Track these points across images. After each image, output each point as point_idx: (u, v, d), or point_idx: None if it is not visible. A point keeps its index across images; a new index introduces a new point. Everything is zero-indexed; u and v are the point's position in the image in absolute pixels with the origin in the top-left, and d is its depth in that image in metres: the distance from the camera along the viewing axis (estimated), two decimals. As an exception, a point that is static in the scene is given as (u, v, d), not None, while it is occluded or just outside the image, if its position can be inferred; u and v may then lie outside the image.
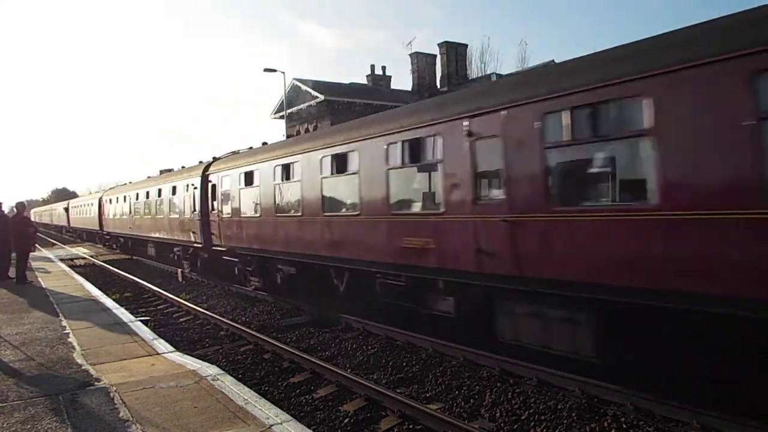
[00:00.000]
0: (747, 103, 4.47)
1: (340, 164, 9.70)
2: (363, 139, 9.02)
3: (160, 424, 4.68)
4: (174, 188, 18.91)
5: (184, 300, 13.38)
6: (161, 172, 26.40)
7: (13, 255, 15.10)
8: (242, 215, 13.50)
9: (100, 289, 13.95)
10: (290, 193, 11.37)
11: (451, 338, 8.15)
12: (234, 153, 16.35)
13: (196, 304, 12.75)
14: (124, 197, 26.72)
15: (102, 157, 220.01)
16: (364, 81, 39.83)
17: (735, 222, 4.53)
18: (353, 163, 9.32)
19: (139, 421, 4.72)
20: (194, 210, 16.56)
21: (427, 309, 8.25)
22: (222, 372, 6.32)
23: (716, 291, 4.66)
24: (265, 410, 4.98)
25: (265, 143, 15.39)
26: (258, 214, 12.63)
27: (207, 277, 16.86)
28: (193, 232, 16.72)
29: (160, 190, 20.71)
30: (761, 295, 4.41)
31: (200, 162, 18.70)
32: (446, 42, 38.94)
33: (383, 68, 40.32)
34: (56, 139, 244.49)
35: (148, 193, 22.55)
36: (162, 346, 7.63)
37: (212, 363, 7.13)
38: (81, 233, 44.32)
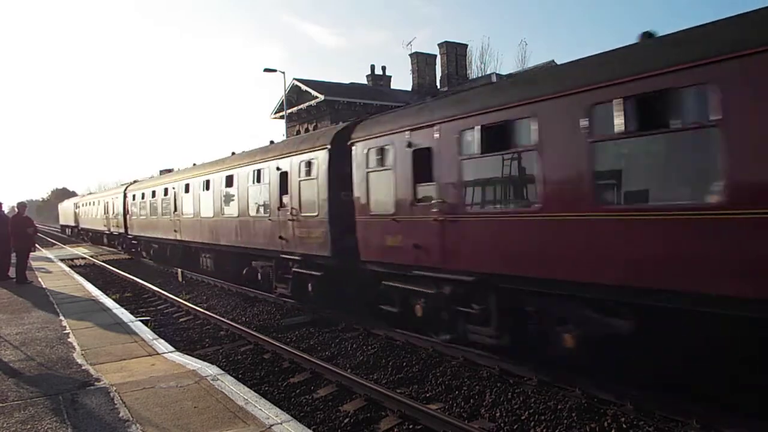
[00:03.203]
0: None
1: None
2: None
3: (160, 424, 4.68)
4: (262, 172, 12.82)
5: (184, 300, 13.38)
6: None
7: (13, 255, 15.12)
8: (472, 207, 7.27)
9: (100, 289, 13.97)
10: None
11: (451, 338, 8.14)
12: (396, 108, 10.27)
13: (196, 304, 12.75)
14: (165, 190, 20.46)
15: (102, 157, 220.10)
16: (364, 81, 39.82)
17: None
18: None
19: (139, 421, 4.72)
20: (315, 201, 10.49)
21: None
22: (222, 372, 6.32)
23: None
24: (265, 410, 4.98)
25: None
26: (543, 203, 6.22)
27: (319, 310, 11.10)
28: (310, 238, 10.65)
29: (231, 177, 14.57)
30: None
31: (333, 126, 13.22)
32: (446, 42, 38.91)
33: (383, 68, 40.31)
34: (56, 139, 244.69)
35: (208, 182, 16.21)
36: (162, 346, 7.63)
37: (212, 363, 7.13)
38: (99, 236, 35.95)
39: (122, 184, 30.42)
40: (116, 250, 30.73)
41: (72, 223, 48.68)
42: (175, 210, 19.16)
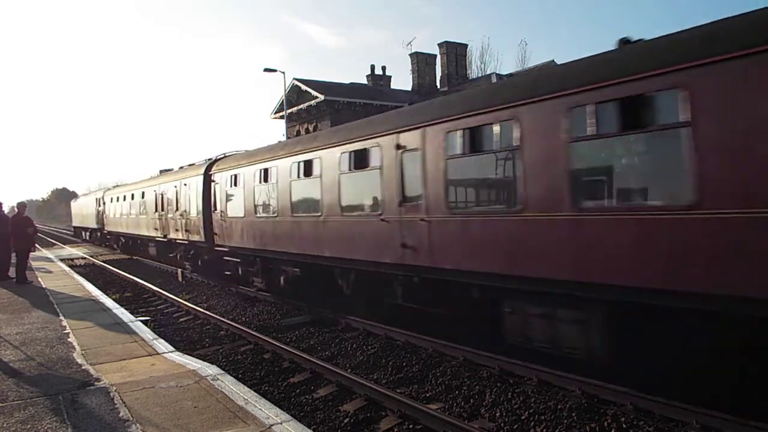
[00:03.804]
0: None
1: None
2: None
3: (160, 424, 4.68)
4: None
5: (184, 300, 13.38)
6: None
7: (13, 255, 15.13)
8: None
9: (100, 289, 13.96)
10: None
11: (451, 338, 8.15)
12: None
13: (196, 304, 12.75)
14: (349, 159, 9.67)
15: (102, 157, 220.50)
16: (364, 81, 39.82)
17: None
18: None
19: (139, 421, 4.72)
20: None
21: None
22: (222, 372, 6.32)
23: None
24: (265, 410, 4.98)
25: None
26: None
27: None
28: None
29: None
30: None
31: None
32: (446, 42, 38.91)
33: (383, 68, 40.29)
34: (56, 139, 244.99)
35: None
36: (162, 346, 7.63)
37: (212, 363, 7.13)
38: (142, 244, 24.59)
39: (198, 163, 18.24)
40: (182, 269, 18.59)
41: (93, 225, 36.26)
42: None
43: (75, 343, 7.67)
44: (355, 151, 9.48)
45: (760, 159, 4.58)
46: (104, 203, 31.63)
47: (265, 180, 12.52)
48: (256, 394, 5.60)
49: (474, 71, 43.68)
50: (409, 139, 8.25)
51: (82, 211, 40.62)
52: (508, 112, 6.68)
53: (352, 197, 9.70)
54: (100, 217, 33.21)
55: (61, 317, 9.67)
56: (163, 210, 20.14)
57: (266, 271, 13.16)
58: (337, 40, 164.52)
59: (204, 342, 9.58)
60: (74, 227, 48.49)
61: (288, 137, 30.48)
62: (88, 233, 40.08)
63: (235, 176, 14.09)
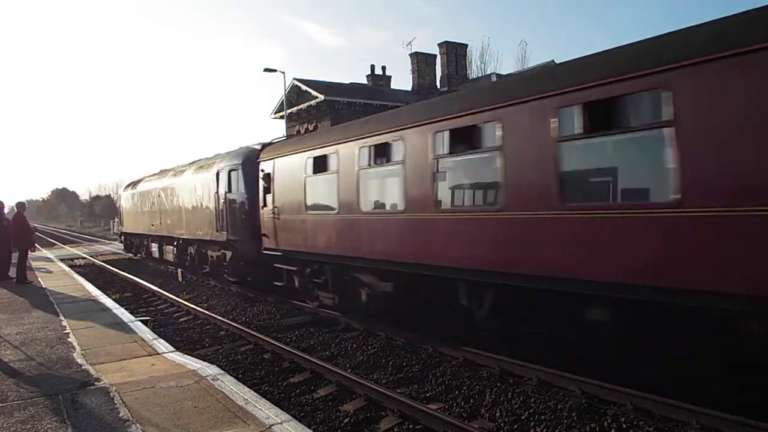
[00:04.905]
0: None
1: None
2: None
3: (160, 424, 4.68)
4: None
5: (184, 300, 13.38)
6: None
7: (14, 255, 15.14)
8: None
9: (100, 289, 13.96)
10: None
11: (451, 338, 8.15)
12: None
13: (196, 304, 12.75)
14: None
15: (102, 157, 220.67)
16: (364, 81, 39.78)
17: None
18: None
19: (139, 421, 4.72)
20: None
21: None
22: (222, 372, 6.32)
23: None
24: (265, 410, 4.98)
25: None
26: None
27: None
28: None
29: None
30: None
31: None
32: (446, 42, 38.87)
33: (383, 68, 40.18)
34: (56, 139, 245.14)
35: None
36: (162, 346, 7.63)
37: (212, 363, 7.13)
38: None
39: None
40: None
41: (196, 233, 16.70)
42: None
43: (75, 343, 7.67)
44: None
45: None
46: (270, 176, 12.23)
47: None
48: (256, 394, 5.60)
49: (474, 71, 43.64)
50: None
51: (156, 205, 21.03)
52: None
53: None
54: (231, 216, 14.15)
55: (61, 317, 9.67)
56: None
57: None
58: (337, 40, 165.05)
59: (204, 342, 9.58)
60: (123, 234, 28.91)
61: (289, 137, 30.39)
62: (172, 249, 19.85)
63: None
